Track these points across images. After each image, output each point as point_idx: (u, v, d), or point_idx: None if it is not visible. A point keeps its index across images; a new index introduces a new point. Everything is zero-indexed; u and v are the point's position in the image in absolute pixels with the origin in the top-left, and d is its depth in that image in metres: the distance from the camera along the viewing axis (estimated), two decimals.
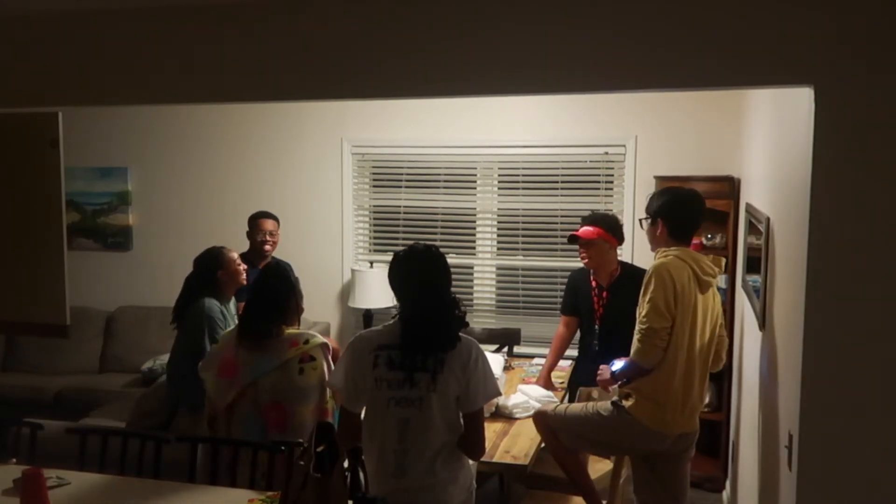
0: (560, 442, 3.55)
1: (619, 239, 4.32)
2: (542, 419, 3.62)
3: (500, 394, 2.84)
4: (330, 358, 3.27)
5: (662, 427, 3.32)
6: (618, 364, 3.51)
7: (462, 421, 2.74)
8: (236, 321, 4.02)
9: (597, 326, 4.30)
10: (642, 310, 3.27)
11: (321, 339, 3.27)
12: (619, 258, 4.45)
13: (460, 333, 2.73)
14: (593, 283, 4.33)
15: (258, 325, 3.24)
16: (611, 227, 4.24)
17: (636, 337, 3.27)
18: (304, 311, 3.44)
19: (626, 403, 3.37)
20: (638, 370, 3.31)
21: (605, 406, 3.46)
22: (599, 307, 4.29)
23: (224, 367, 3.24)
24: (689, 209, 3.44)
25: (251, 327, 3.26)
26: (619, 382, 3.44)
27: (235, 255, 4.14)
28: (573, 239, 4.26)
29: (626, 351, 4.00)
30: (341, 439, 2.51)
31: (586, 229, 4.21)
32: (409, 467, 2.67)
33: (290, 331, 3.26)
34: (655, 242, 3.46)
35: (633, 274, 4.34)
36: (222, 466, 3.06)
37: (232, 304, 4.16)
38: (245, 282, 4.10)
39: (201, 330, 3.87)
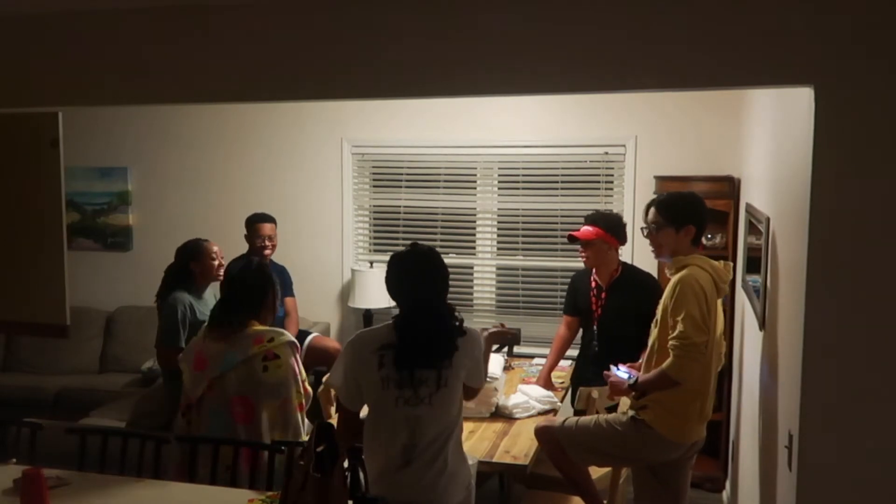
0: (566, 456, 3.45)
1: (621, 240, 4.28)
2: (546, 434, 3.49)
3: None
4: (299, 357, 3.30)
5: (681, 437, 3.27)
6: (622, 371, 3.47)
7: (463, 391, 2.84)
8: None
9: (594, 327, 4.30)
10: (675, 323, 3.13)
11: (289, 337, 3.29)
12: (621, 258, 4.45)
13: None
14: (593, 284, 4.32)
15: (223, 318, 3.27)
16: (611, 227, 4.21)
17: (672, 352, 3.12)
18: (276, 312, 3.46)
19: (644, 415, 3.27)
20: (667, 383, 3.17)
21: (618, 419, 3.37)
22: (597, 308, 4.28)
23: (197, 360, 3.27)
24: (706, 212, 3.40)
25: (216, 319, 3.30)
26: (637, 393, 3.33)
27: (215, 249, 4.17)
28: (572, 239, 4.25)
29: (624, 351, 4.00)
30: (340, 438, 2.52)
31: (585, 229, 4.19)
32: (417, 458, 2.67)
33: (257, 327, 3.27)
34: (675, 251, 3.29)
35: (633, 275, 4.33)
36: (189, 462, 3.10)
37: (210, 297, 4.19)
38: (221, 277, 4.15)
39: (167, 325, 3.99)
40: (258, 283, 3.35)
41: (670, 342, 3.13)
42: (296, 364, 3.26)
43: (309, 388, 3.35)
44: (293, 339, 3.31)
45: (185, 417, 3.29)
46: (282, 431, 3.20)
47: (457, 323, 2.74)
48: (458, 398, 2.76)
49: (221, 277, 4.21)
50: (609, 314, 4.24)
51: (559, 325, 4.61)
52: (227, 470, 3.02)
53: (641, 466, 3.48)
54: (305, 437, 3.21)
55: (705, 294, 3.14)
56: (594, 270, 4.31)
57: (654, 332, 3.32)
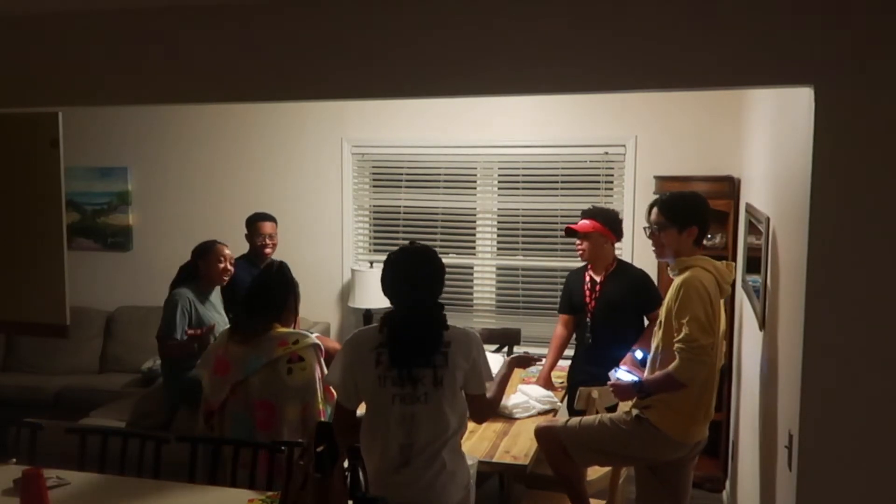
0: (568, 457, 3.42)
1: (617, 235, 4.34)
2: (548, 434, 3.46)
3: (492, 377, 2.91)
4: (322, 359, 3.27)
5: (686, 437, 3.26)
6: (625, 373, 3.47)
7: (467, 402, 2.80)
8: (222, 315, 4.08)
9: (588, 320, 4.32)
10: (681, 325, 3.11)
11: (313, 340, 3.26)
12: (619, 256, 4.46)
13: (459, 326, 2.77)
14: (586, 278, 4.36)
15: (246, 321, 3.26)
16: (608, 222, 4.26)
17: (678, 354, 3.10)
18: (298, 314, 3.44)
19: (648, 415, 3.26)
20: (674, 385, 3.16)
21: (622, 418, 3.36)
22: (591, 300, 4.32)
23: (218, 365, 3.26)
24: (709, 212, 3.39)
25: (240, 322, 3.29)
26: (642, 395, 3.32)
27: (225, 252, 4.17)
28: (570, 232, 4.28)
29: (618, 341, 3.99)
30: (337, 436, 2.52)
31: (583, 223, 4.25)
32: (414, 458, 2.67)
33: (281, 330, 3.26)
34: (678, 251, 3.28)
35: (625, 269, 4.38)
36: (207, 464, 3.09)
37: (217, 299, 4.20)
38: (225, 281, 4.16)
39: (165, 317, 4.03)
40: (280, 286, 3.33)
41: (676, 345, 3.12)
42: (319, 367, 3.24)
43: (334, 392, 3.30)
44: (317, 341, 3.29)
45: (207, 424, 3.28)
46: (302, 437, 3.17)
47: (441, 315, 2.74)
48: (459, 402, 2.74)
49: (225, 282, 4.22)
50: (603, 305, 4.28)
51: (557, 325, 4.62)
52: (245, 468, 3.01)
53: (643, 466, 3.48)
54: None
55: (709, 296, 3.13)
56: (589, 266, 4.35)
57: (657, 334, 3.31)
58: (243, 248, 5.00)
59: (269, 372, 3.16)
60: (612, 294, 4.26)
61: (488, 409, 2.95)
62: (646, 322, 4.21)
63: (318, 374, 3.22)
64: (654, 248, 3.43)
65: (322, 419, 3.20)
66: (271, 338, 3.20)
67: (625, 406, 3.45)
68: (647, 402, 3.29)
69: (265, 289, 3.32)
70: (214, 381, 3.24)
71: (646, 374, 3.38)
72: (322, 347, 3.29)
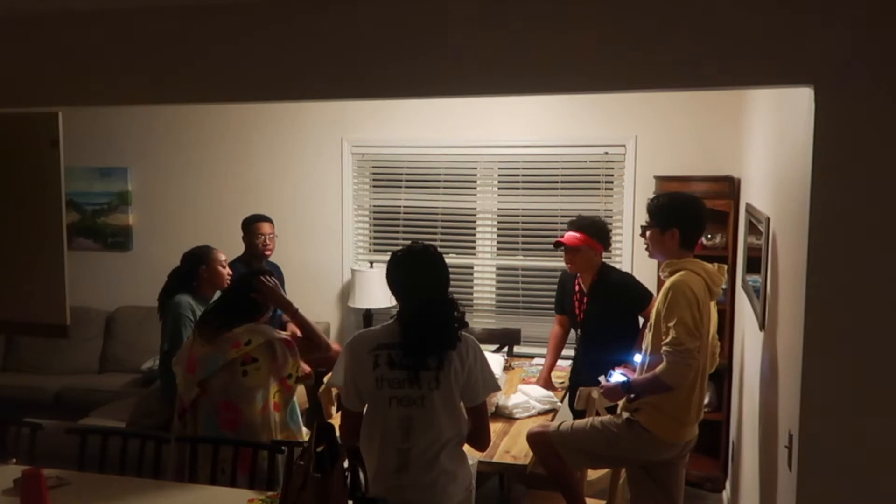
0: (561, 461, 3.43)
1: (605, 245, 4.31)
2: (540, 438, 3.46)
3: (499, 388, 2.85)
4: (279, 353, 3.16)
5: (677, 438, 3.28)
6: (617, 376, 3.47)
7: (466, 415, 2.76)
8: None
9: (579, 331, 4.34)
10: (668, 329, 3.13)
11: (266, 337, 3.17)
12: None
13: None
14: (577, 287, 4.35)
15: (210, 320, 3.25)
16: (596, 233, 4.23)
17: (665, 357, 3.12)
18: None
19: (638, 417, 3.28)
20: (661, 387, 3.18)
21: (613, 421, 3.37)
22: (580, 312, 4.31)
23: (189, 364, 3.25)
24: (701, 215, 3.38)
25: (204, 321, 3.27)
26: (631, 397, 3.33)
27: (223, 257, 4.15)
28: (559, 245, 4.26)
29: (606, 354, 3.98)
30: (344, 438, 2.51)
31: (571, 235, 4.20)
32: (412, 463, 2.67)
33: (237, 329, 3.19)
34: (664, 252, 3.33)
35: (606, 277, 4.30)
36: (188, 463, 3.09)
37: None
38: (226, 284, 4.12)
39: (173, 331, 3.97)
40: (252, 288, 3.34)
41: (663, 348, 3.15)
42: (274, 363, 3.16)
43: (290, 384, 3.23)
44: (272, 337, 3.19)
45: (181, 421, 3.27)
46: (264, 435, 3.16)
47: (457, 314, 2.73)
48: (456, 410, 2.72)
49: (226, 285, 4.18)
50: (590, 320, 4.29)
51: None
52: (223, 473, 3.01)
53: (636, 467, 3.48)
54: (305, 437, 3.20)
55: (697, 299, 3.15)
56: (579, 275, 4.34)
57: (647, 336, 3.33)
58: (241, 247, 4.99)
59: (227, 373, 3.15)
60: (598, 308, 4.25)
61: (486, 424, 2.84)
62: (640, 321, 4.21)
63: (274, 371, 3.17)
64: (645, 247, 3.46)
65: (277, 412, 3.19)
66: (227, 338, 3.16)
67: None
68: (636, 404, 3.30)
69: (238, 292, 3.31)
70: (187, 378, 3.23)
71: (635, 375, 3.38)
72: (277, 341, 3.19)
